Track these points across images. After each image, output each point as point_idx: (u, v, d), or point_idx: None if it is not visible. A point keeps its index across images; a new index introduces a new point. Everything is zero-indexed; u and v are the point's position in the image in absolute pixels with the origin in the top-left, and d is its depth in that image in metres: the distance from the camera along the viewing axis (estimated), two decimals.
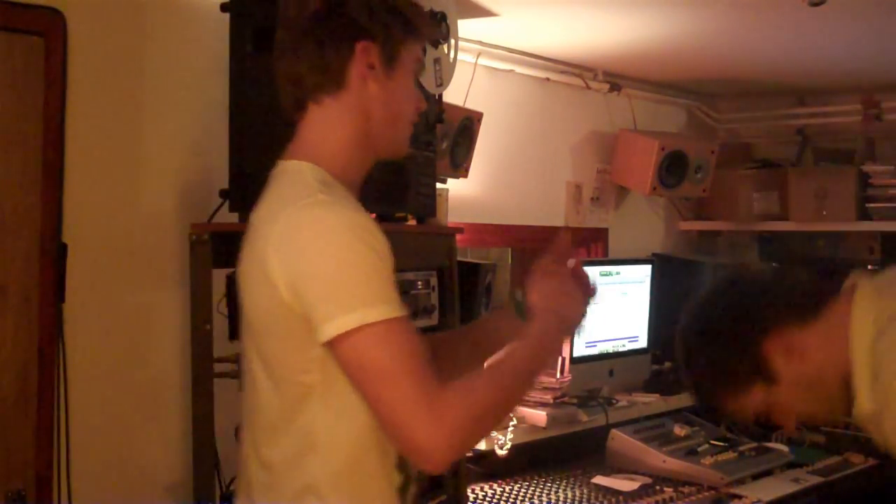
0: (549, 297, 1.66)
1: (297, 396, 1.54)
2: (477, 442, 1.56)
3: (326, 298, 1.46)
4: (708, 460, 3.44)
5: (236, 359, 2.41)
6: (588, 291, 1.71)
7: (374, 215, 2.47)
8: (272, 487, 1.59)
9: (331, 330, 1.45)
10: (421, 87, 1.67)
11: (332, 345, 1.46)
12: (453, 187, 3.32)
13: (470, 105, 3.37)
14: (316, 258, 1.46)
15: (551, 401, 3.42)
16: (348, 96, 1.60)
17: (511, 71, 3.72)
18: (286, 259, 1.48)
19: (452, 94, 3.09)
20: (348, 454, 1.55)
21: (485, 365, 1.71)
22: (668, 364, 4.09)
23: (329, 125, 1.61)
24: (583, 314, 1.69)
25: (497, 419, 1.58)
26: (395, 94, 1.63)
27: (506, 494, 3.15)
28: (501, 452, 3.24)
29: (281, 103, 1.66)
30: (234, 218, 2.44)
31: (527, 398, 3.26)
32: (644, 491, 3.24)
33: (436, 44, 2.62)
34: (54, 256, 2.30)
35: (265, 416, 1.60)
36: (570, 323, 1.68)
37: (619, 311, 3.91)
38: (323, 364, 1.51)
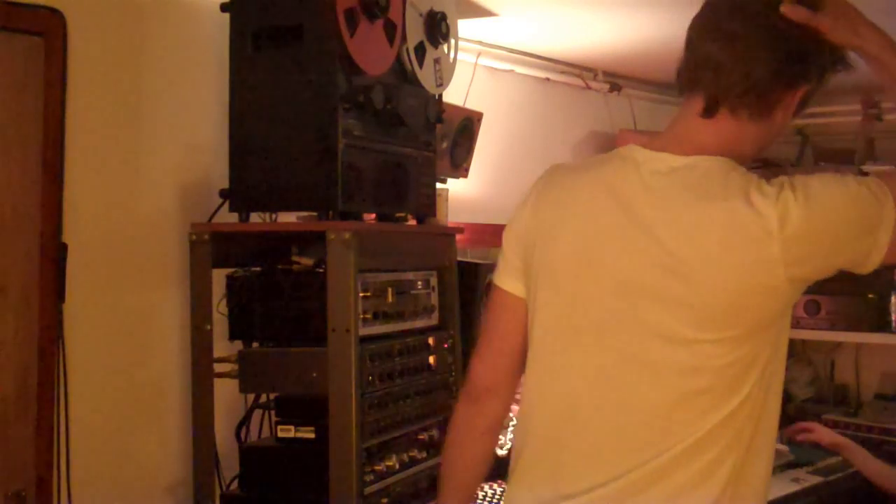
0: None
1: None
2: None
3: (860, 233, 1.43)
4: None
5: (236, 359, 2.42)
6: None
7: (374, 215, 2.52)
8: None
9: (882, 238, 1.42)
10: None
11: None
12: (453, 187, 3.31)
13: (470, 105, 3.37)
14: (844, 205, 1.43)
15: None
16: (759, 129, 1.52)
17: (511, 71, 3.72)
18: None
19: (452, 94, 3.09)
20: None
21: None
22: None
23: (733, 140, 1.51)
24: None
25: None
26: (772, 132, 1.55)
27: None
28: (502, 452, 3.23)
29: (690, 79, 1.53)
30: (234, 218, 2.44)
31: None
32: None
33: (436, 43, 2.62)
34: (54, 256, 2.30)
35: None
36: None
37: None
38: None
